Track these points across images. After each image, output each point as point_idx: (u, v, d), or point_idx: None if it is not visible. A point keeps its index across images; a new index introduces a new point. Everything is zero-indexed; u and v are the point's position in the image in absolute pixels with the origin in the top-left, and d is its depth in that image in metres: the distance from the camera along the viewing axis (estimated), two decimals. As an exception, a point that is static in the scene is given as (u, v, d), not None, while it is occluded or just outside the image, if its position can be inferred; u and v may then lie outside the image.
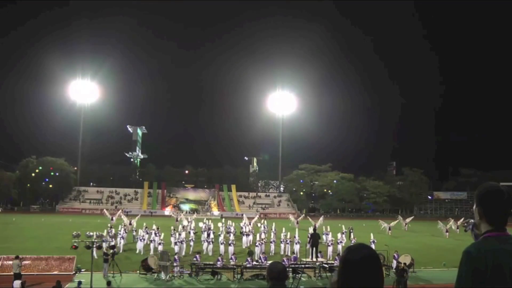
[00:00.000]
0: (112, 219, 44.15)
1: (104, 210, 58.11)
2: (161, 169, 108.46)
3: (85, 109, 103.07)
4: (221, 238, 30.25)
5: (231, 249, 27.27)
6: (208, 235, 30.25)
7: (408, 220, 54.49)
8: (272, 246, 30.18)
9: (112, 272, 21.21)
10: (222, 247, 28.16)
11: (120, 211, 52.36)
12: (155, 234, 29.58)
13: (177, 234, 29.39)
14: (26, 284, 17.57)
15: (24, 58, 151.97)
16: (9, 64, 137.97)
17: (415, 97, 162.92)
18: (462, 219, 48.43)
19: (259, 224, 41.40)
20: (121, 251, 28.40)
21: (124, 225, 34.54)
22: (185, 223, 37.88)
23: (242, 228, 36.72)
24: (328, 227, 34.84)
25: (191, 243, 29.94)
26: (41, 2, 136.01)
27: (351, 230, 38.84)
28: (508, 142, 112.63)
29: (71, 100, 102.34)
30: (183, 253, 27.27)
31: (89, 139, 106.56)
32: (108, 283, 18.19)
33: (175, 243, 28.12)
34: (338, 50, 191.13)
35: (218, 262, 21.77)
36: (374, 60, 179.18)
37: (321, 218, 50.64)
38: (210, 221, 38.09)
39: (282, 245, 29.75)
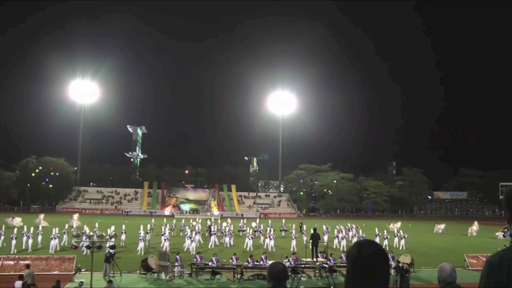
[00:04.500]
0: None
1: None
2: (161, 169, 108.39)
3: (85, 109, 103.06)
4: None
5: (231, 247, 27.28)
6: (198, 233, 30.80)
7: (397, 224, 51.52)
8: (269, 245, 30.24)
9: (112, 272, 21.19)
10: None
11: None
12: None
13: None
14: (26, 284, 17.51)
15: (24, 58, 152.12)
16: (9, 64, 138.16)
17: (415, 97, 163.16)
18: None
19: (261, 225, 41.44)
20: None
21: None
22: (192, 224, 37.49)
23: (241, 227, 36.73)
24: (341, 227, 35.00)
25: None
26: (41, 1, 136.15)
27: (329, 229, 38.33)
28: (508, 142, 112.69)
29: (71, 100, 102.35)
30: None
31: (89, 139, 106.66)
32: (109, 282, 18.15)
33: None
34: (338, 50, 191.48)
35: (213, 261, 21.65)
36: (374, 59, 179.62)
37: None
38: (210, 220, 38.06)
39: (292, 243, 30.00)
